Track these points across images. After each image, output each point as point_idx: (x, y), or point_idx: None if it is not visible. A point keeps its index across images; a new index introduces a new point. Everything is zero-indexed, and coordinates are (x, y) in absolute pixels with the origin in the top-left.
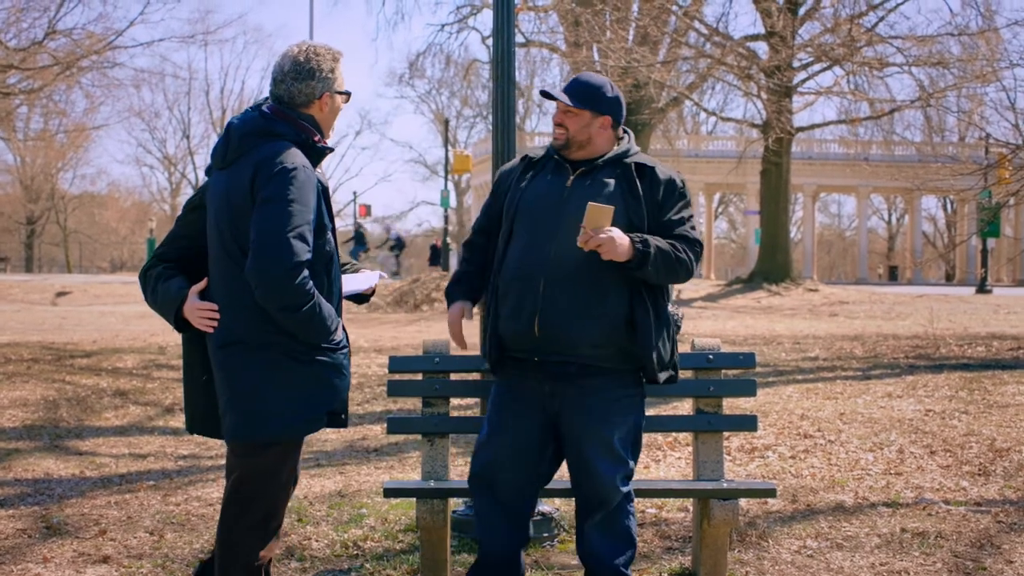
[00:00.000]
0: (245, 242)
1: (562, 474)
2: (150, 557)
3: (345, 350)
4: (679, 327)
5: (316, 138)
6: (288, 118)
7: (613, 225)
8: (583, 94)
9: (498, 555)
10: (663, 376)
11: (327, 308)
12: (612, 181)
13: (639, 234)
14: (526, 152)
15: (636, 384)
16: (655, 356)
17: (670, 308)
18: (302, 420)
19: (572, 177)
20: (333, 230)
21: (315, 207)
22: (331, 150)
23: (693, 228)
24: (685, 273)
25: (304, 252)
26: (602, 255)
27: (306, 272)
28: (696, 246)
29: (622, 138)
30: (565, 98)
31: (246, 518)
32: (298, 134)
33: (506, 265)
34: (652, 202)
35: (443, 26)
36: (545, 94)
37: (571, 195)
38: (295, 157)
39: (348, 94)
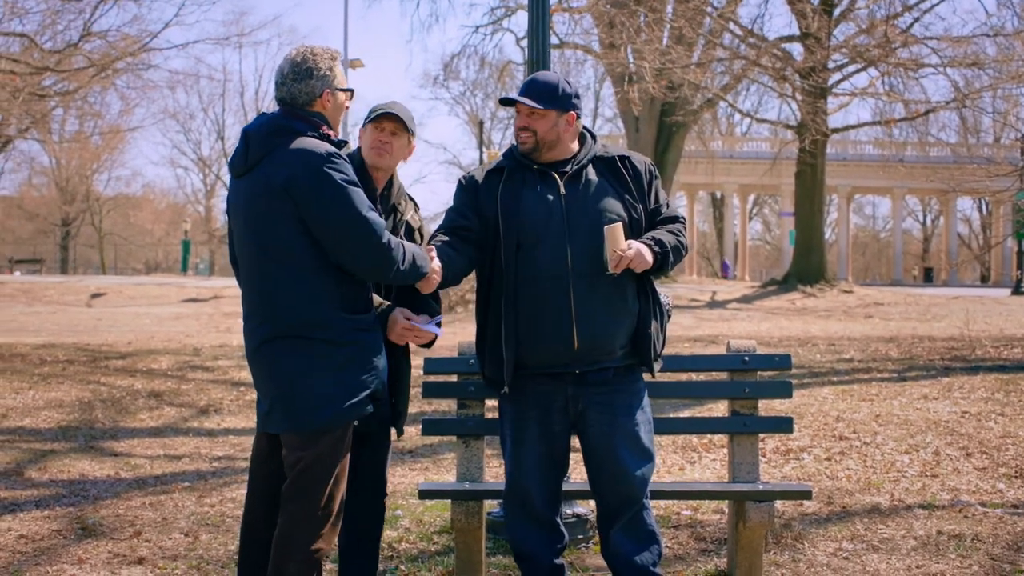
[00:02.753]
0: (284, 239)
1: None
2: (185, 558)
3: (377, 331)
4: (669, 316)
5: (328, 131)
6: (301, 116)
7: (618, 215)
8: (546, 94)
9: (543, 568)
10: (658, 367)
11: (408, 246)
12: (601, 180)
13: (647, 236)
14: (493, 164)
15: (641, 377)
16: (652, 347)
17: (662, 297)
18: (349, 404)
19: (562, 183)
20: None
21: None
22: (345, 143)
23: (669, 205)
24: (685, 252)
25: (381, 221)
26: (635, 269)
27: (388, 235)
28: (680, 220)
29: (586, 137)
30: (530, 101)
31: (307, 509)
32: (315, 129)
33: (522, 284)
34: (640, 190)
35: (477, 28)
36: (506, 100)
37: (568, 201)
38: (324, 145)
39: (351, 91)
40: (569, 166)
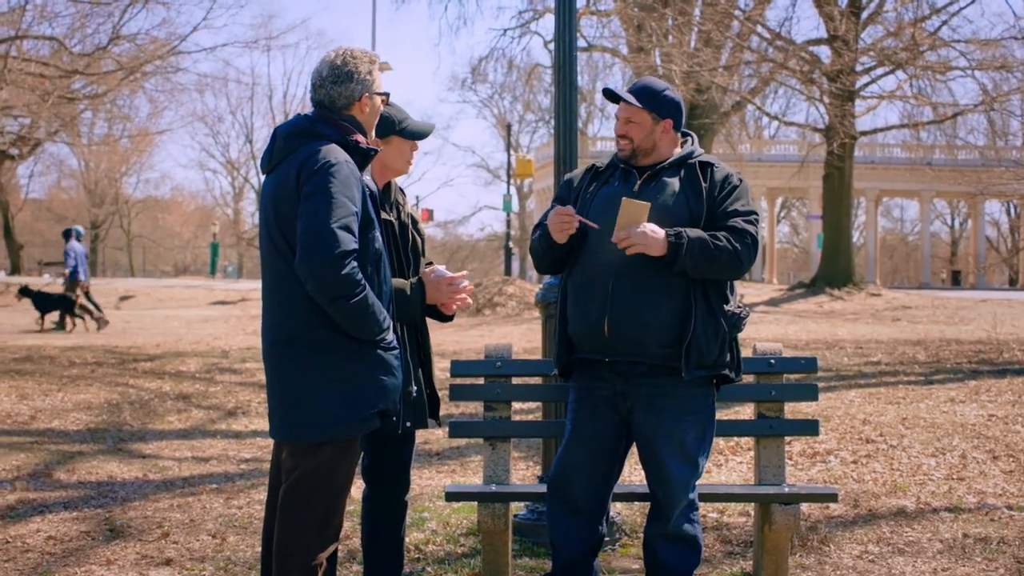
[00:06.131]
0: (294, 240)
1: (622, 478)
2: (212, 560)
3: (396, 351)
4: (739, 327)
5: (359, 138)
6: (331, 120)
7: (678, 222)
8: (646, 95)
9: (571, 561)
10: (694, 374)
11: (378, 303)
12: (676, 181)
13: (676, 228)
14: (591, 161)
15: (706, 384)
16: (686, 351)
17: (729, 307)
18: (351, 420)
19: (639, 182)
20: (388, 234)
21: (360, 201)
22: (375, 152)
23: (749, 221)
24: (729, 261)
25: (350, 242)
26: (632, 250)
27: (355, 263)
28: (746, 236)
29: (685, 141)
30: (631, 97)
31: (302, 518)
32: (341, 135)
33: (575, 269)
34: (710, 197)
35: (505, 31)
36: (609, 93)
37: (637, 199)
38: (337, 153)
39: (386, 95)
40: (654, 169)
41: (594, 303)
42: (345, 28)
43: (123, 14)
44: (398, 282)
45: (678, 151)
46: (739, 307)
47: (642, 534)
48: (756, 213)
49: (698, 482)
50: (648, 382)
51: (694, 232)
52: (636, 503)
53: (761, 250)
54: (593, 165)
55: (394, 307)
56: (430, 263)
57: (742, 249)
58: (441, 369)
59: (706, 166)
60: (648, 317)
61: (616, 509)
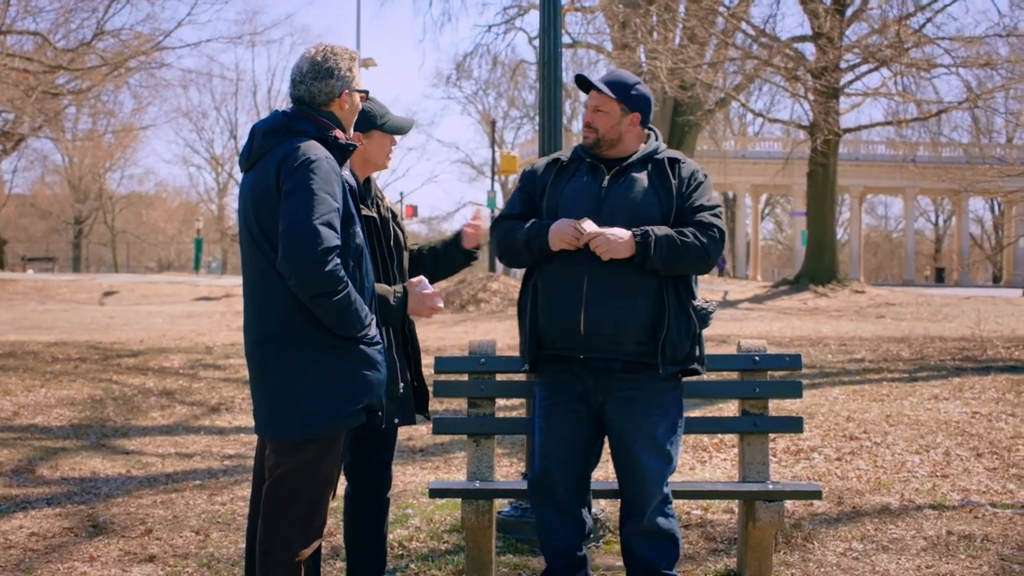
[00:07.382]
0: (275, 237)
1: (607, 474)
2: (196, 556)
3: (379, 346)
4: (706, 323)
5: (338, 134)
6: (309, 116)
7: (650, 218)
8: (618, 87)
9: (565, 558)
10: (669, 369)
11: (360, 299)
12: (644, 176)
13: (642, 228)
14: (555, 155)
15: (674, 378)
16: (662, 349)
17: (698, 303)
18: (336, 417)
19: (607, 177)
20: (364, 229)
21: (341, 197)
22: (354, 147)
23: (715, 215)
24: (697, 257)
25: (333, 238)
26: (602, 256)
27: (337, 259)
28: (712, 230)
29: (649, 136)
30: (602, 86)
31: (286, 515)
32: (320, 131)
33: (548, 266)
34: (679, 193)
35: (490, 27)
36: (581, 80)
37: (608, 194)
38: (316, 149)
39: (366, 92)
40: (621, 163)
41: (569, 300)
42: (330, 24)
43: (107, 10)
44: (382, 288)
45: (643, 147)
46: (706, 302)
47: None
48: (720, 206)
49: (683, 479)
50: (620, 377)
51: (660, 230)
52: (620, 499)
53: (745, 247)
54: (557, 158)
55: (376, 303)
56: (419, 248)
57: (709, 243)
58: (426, 366)
59: (674, 162)
60: (623, 314)
61: (600, 505)
